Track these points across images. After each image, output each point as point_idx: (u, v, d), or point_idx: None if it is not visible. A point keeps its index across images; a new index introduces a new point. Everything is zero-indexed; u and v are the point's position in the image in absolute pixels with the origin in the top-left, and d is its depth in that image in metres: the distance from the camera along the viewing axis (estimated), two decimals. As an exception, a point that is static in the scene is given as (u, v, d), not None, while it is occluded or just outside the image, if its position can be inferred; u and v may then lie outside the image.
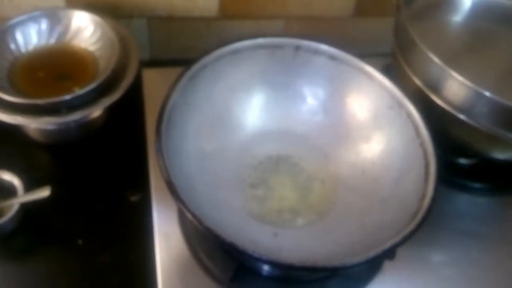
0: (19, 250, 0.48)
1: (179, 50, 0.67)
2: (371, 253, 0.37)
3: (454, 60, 0.48)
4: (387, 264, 0.47)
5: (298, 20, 0.67)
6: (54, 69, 0.55)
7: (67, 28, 0.56)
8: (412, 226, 0.39)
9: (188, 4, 0.62)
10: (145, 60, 0.66)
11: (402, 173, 0.46)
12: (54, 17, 0.56)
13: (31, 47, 0.55)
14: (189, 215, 0.37)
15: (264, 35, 0.51)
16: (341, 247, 0.43)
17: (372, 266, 0.47)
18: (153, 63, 0.66)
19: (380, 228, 0.43)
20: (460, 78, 0.47)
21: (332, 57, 0.51)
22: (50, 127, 0.53)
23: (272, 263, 0.36)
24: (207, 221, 0.37)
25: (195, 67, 0.47)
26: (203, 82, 0.48)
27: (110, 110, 0.53)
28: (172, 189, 0.38)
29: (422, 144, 0.45)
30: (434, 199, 0.41)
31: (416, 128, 0.46)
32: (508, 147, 0.51)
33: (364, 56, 0.51)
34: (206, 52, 0.48)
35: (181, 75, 0.46)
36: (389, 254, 0.39)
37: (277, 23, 0.67)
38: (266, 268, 0.44)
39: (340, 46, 0.51)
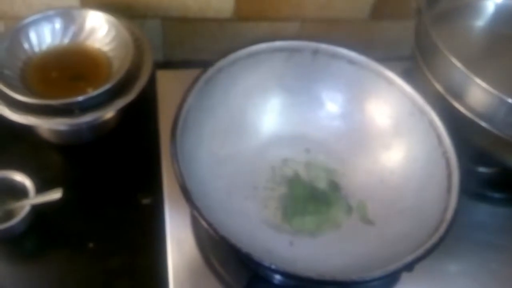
0: (30, 252, 0.48)
1: (192, 51, 0.66)
2: (392, 267, 0.36)
3: (476, 66, 0.47)
4: (404, 275, 0.46)
5: (313, 22, 0.66)
6: (68, 69, 0.54)
7: (81, 28, 0.56)
8: (435, 239, 0.38)
9: (202, 5, 0.61)
10: (159, 61, 0.66)
11: (423, 183, 0.45)
12: (68, 16, 0.55)
13: (44, 46, 0.55)
14: (204, 223, 0.36)
15: (281, 38, 0.50)
16: (358, 258, 0.42)
17: (390, 278, 0.46)
18: (167, 64, 0.66)
19: (399, 239, 0.42)
20: (483, 84, 0.45)
21: (351, 61, 0.50)
22: (62, 128, 0.53)
23: (290, 276, 0.35)
24: (221, 228, 0.37)
25: (211, 70, 0.46)
26: (219, 85, 0.47)
27: (124, 112, 0.53)
28: (187, 195, 0.37)
29: (444, 153, 0.44)
30: (457, 211, 0.40)
31: (438, 136, 0.45)
32: (531, 156, 0.50)
33: (381, 59, 0.50)
34: (222, 55, 0.47)
35: (197, 78, 0.45)
36: (409, 267, 0.37)
37: (292, 25, 0.66)
38: (279, 277, 0.43)
39: (359, 50, 0.50)
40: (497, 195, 0.56)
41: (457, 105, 0.48)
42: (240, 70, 0.48)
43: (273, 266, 0.35)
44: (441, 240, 0.38)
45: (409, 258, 0.37)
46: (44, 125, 0.51)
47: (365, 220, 0.47)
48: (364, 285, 0.37)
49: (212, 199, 0.42)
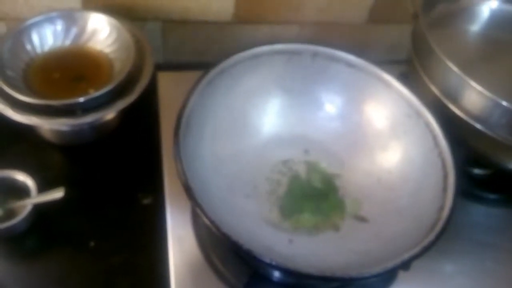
0: (31, 251, 0.48)
1: (192, 54, 0.67)
2: (389, 264, 0.37)
3: (471, 69, 0.47)
4: (401, 274, 0.47)
5: (312, 25, 0.67)
6: (70, 70, 0.55)
7: (83, 29, 0.56)
8: (431, 237, 0.38)
9: (202, 8, 0.62)
10: (159, 63, 0.66)
11: (420, 183, 0.46)
12: (70, 18, 0.56)
13: (46, 48, 0.56)
14: (206, 221, 0.37)
15: (281, 41, 0.51)
16: (356, 256, 0.43)
17: (387, 276, 0.46)
18: (167, 66, 0.66)
19: (396, 238, 0.43)
20: (478, 87, 0.46)
21: (350, 64, 0.51)
22: (64, 128, 0.53)
23: (290, 272, 0.36)
24: (223, 226, 0.37)
25: (213, 71, 0.47)
26: (220, 86, 0.48)
27: (125, 113, 0.53)
28: (190, 194, 0.38)
29: (440, 154, 0.45)
30: (453, 210, 0.41)
31: (434, 138, 0.46)
32: (525, 158, 0.50)
33: (378, 62, 0.51)
34: (224, 56, 0.48)
35: (199, 80, 0.46)
36: (407, 265, 0.38)
37: (291, 28, 0.67)
38: (279, 275, 0.44)
39: (357, 53, 0.51)
40: (492, 196, 0.57)
41: (452, 107, 0.49)
42: (242, 71, 0.49)
43: (273, 263, 0.35)
44: (437, 238, 0.39)
45: (406, 256, 0.37)
46: (46, 125, 0.51)
47: (358, 217, 0.47)
48: (363, 281, 0.38)
49: (213, 198, 0.43)
